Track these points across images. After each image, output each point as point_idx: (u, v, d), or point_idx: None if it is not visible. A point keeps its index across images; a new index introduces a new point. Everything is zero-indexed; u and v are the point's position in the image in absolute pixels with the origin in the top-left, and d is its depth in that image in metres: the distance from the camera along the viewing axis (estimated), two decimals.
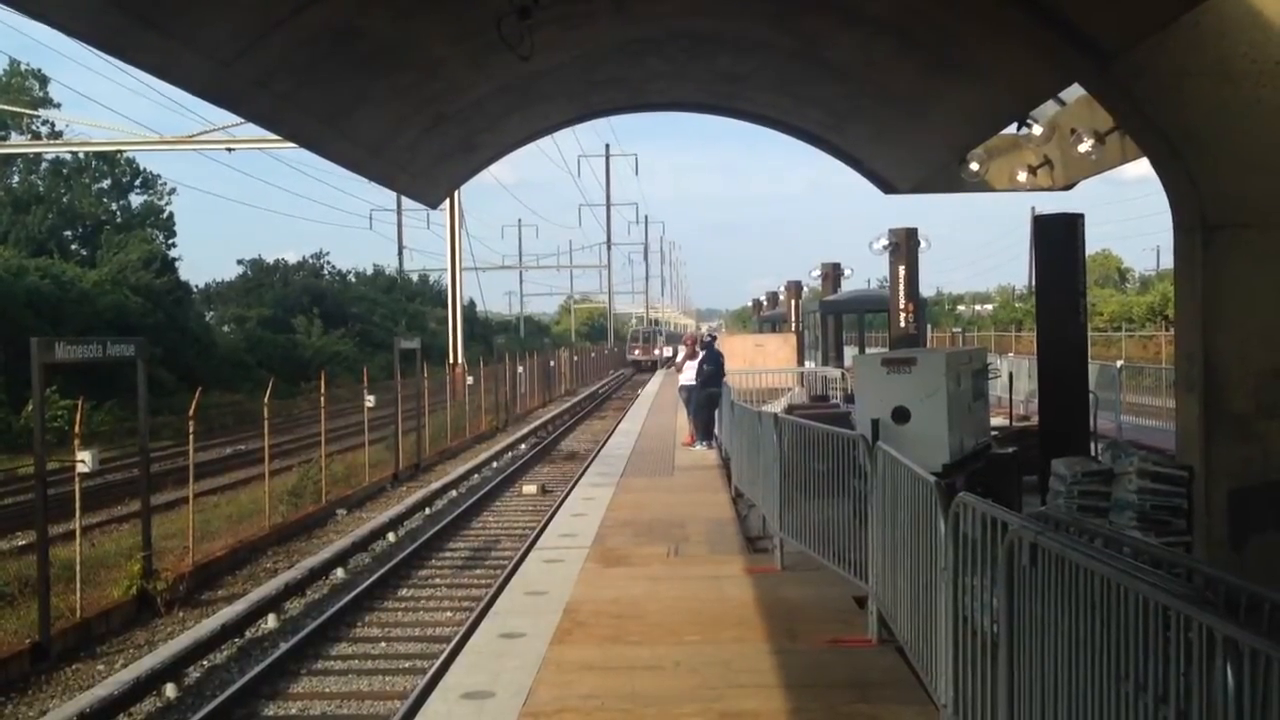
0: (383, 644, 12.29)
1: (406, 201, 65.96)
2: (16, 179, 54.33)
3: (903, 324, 20.41)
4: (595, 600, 8.90)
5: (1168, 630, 3.34)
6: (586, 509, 13.60)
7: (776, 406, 16.91)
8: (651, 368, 70.08)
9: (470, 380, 35.49)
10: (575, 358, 64.71)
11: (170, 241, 58.15)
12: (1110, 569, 3.72)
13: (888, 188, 16.85)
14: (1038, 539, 4.23)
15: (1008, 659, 4.52)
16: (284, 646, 11.82)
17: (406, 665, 11.37)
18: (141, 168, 58.52)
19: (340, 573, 15.74)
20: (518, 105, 14.06)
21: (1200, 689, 3.14)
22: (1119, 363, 24.81)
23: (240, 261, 78.80)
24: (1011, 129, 15.56)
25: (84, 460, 13.08)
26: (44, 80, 55.56)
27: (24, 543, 16.38)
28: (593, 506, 13.74)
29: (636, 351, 78.32)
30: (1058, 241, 12.75)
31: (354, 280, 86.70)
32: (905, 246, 20.41)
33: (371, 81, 11.12)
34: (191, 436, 17.26)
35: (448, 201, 41.59)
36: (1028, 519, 4.73)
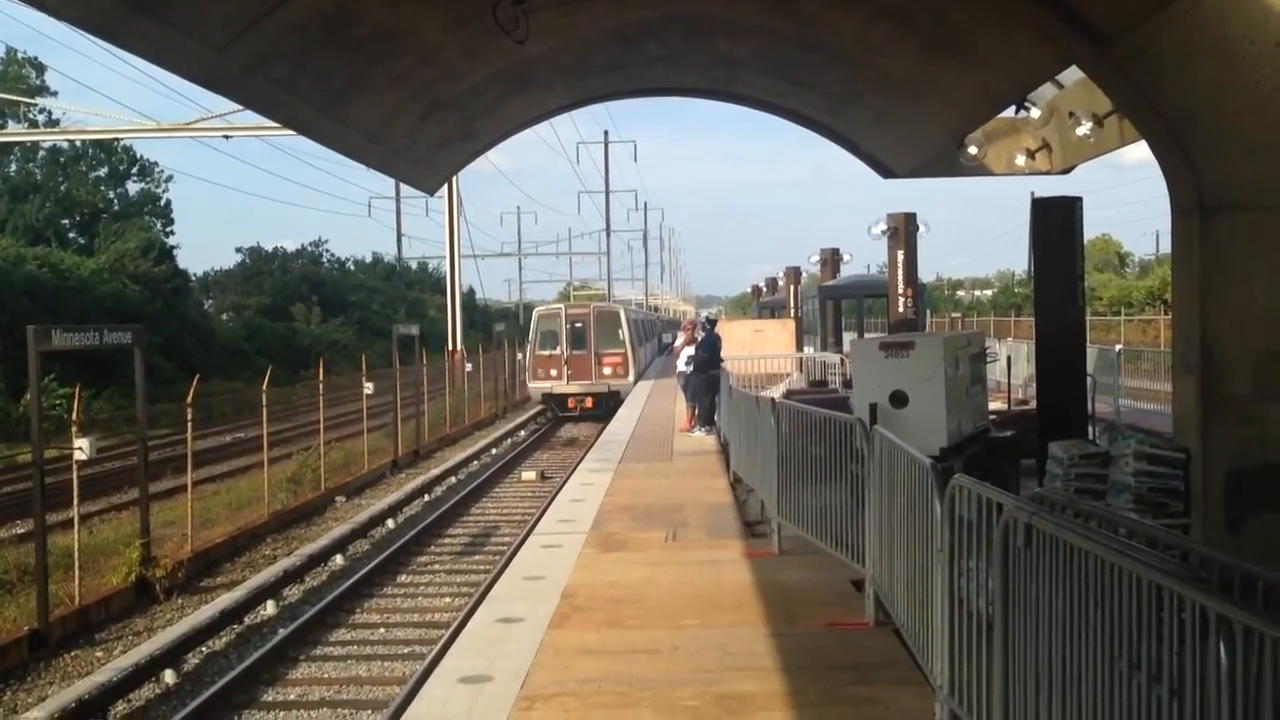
0: (381, 630, 12.32)
1: (405, 189, 65.50)
2: (14, 168, 54.30)
3: (901, 309, 20.38)
4: (593, 585, 8.90)
5: (1161, 610, 3.34)
6: (585, 494, 13.60)
7: (775, 392, 16.92)
8: (606, 406, 30.97)
9: (469, 367, 35.51)
10: None
11: (168, 230, 58.25)
12: (1104, 549, 3.71)
13: (886, 172, 16.83)
14: (1032, 520, 4.22)
15: (1003, 640, 4.51)
16: (283, 633, 11.84)
17: (405, 651, 11.40)
18: (139, 155, 58.54)
19: (339, 559, 15.77)
20: (515, 91, 14.03)
21: (1194, 667, 3.14)
22: (1118, 347, 24.79)
23: (239, 249, 79.01)
24: (1010, 112, 15.54)
25: (81, 448, 13.08)
26: (40, 68, 55.52)
27: (23, 531, 16.40)
28: (591, 492, 13.74)
29: (553, 374, 33.16)
30: (1056, 225, 12.71)
31: (353, 268, 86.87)
32: (904, 231, 20.36)
33: (367, 68, 11.08)
34: (190, 424, 17.28)
35: (446, 188, 41.54)
36: (1022, 501, 4.72)
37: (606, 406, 30.81)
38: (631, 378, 33.21)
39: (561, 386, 33.14)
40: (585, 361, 33.04)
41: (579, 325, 33.49)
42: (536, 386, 33.95)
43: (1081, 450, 9.92)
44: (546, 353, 33.31)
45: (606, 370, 33.15)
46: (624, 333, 33.64)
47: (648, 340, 44.76)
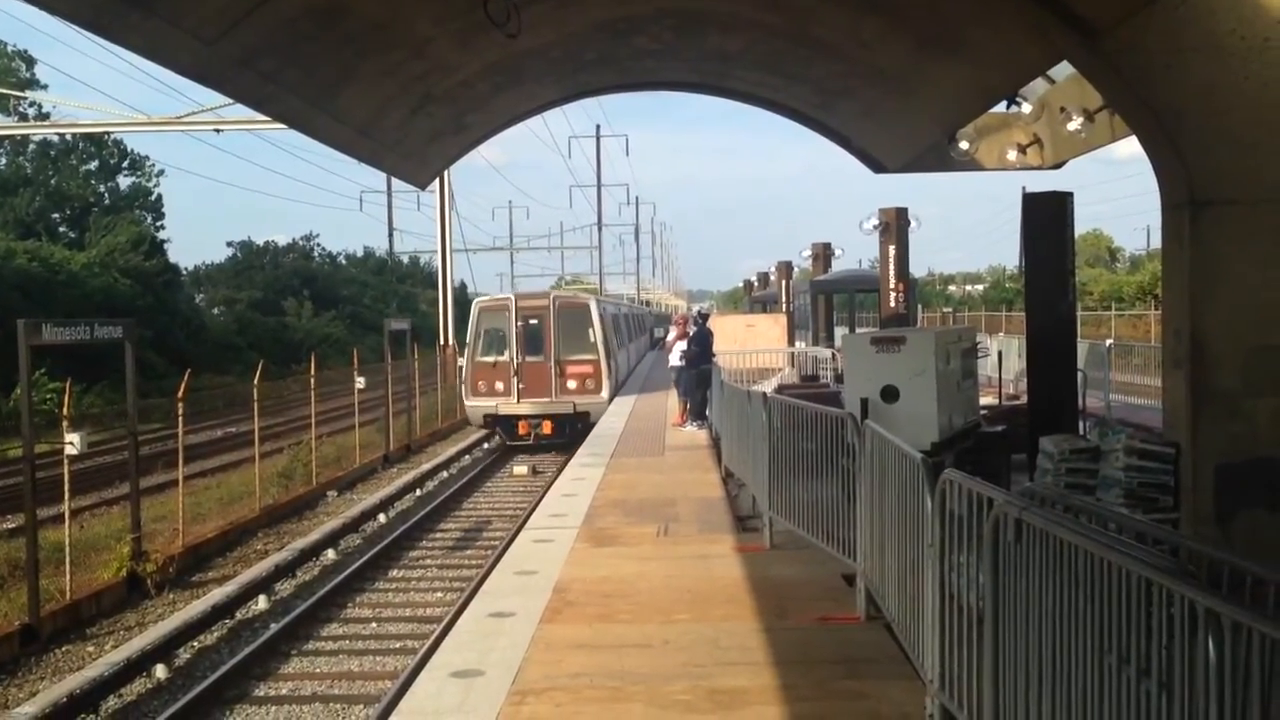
0: (373, 624, 12.31)
1: (397, 183, 64.91)
2: (4, 161, 54.10)
3: (893, 304, 20.41)
4: (585, 580, 8.90)
5: (1151, 604, 3.36)
6: (577, 489, 13.60)
7: (767, 387, 16.93)
8: (570, 430, 24.35)
9: (461, 361, 35.42)
10: None
11: (159, 224, 58.14)
12: (1095, 544, 3.73)
13: (877, 167, 16.84)
14: (1022, 515, 4.24)
15: (993, 634, 4.53)
16: (275, 627, 11.83)
17: (397, 645, 11.40)
18: (129, 149, 58.36)
19: (331, 554, 15.76)
20: (506, 85, 14.00)
21: (1183, 661, 3.16)
22: (1108, 341, 24.85)
23: (230, 244, 78.96)
24: (1001, 107, 15.58)
25: (72, 443, 13.05)
26: (30, 61, 55.21)
27: (13, 526, 16.35)
28: (583, 487, 13.74)
29: (499, 388, 24.74)
30: (1047, 219, 12.75)
31: (344, 262, 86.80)
32: (895, 226, 20.38)
33: (357, 61, 11.05)
34: (181, 419, 17.23)
35: (437, 182, 41.42)
36: (1013, 495, 4.74)
37: (570, 431, 23.92)
38: (605, 393, 24.90)
39: (509, 406, 24.58)
40: (543, 372, 24.63)
41: (534, 322, 24.86)
42: (476, 405, 25.00)
43: (1072, 445, 9.95)
44: (490, 360, 24.74)
45: (571, 384, 24.65)
46: (595, 333, 25.00)
47: (632, 340, 36.92)
